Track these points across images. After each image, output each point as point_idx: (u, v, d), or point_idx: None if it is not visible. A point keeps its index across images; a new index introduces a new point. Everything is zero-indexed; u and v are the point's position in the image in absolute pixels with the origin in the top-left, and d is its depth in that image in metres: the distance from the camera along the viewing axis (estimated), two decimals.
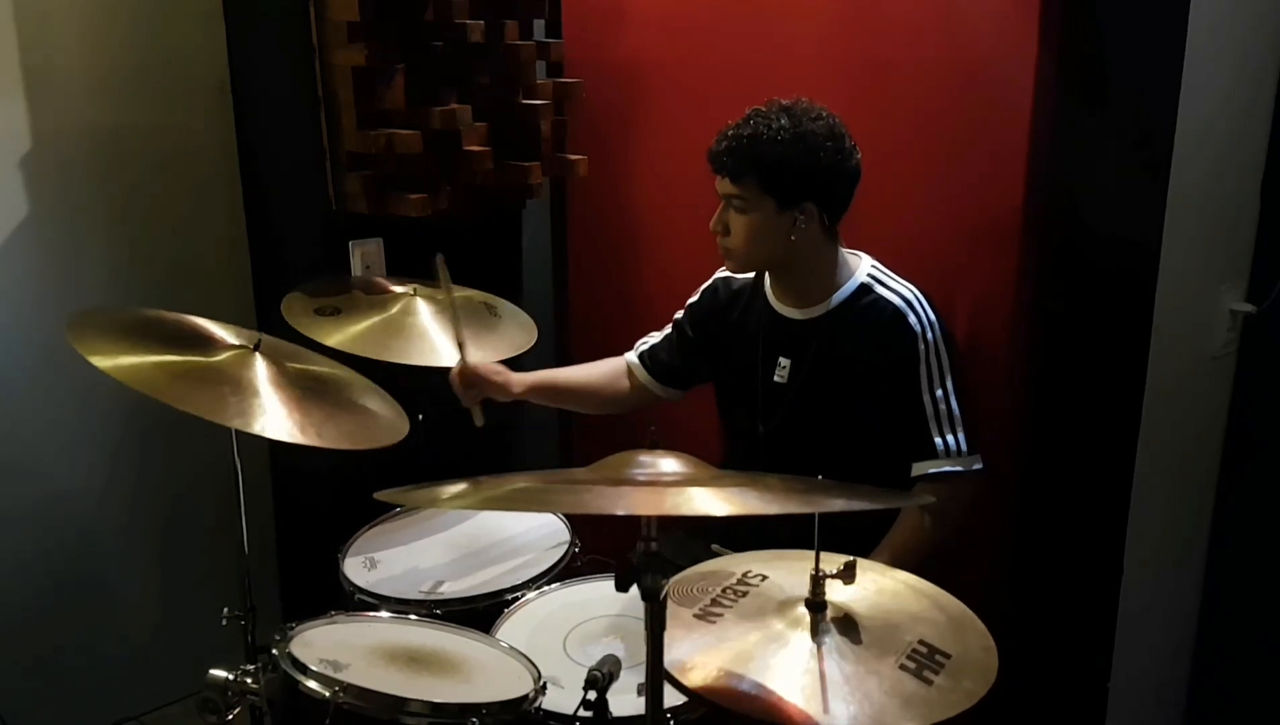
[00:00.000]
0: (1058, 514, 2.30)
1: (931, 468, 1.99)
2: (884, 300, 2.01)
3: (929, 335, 1.98)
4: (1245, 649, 2.56)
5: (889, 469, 2.01)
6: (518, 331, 2.37)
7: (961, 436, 1.99)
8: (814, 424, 2.07)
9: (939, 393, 1.97)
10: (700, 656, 1.38)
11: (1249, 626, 2.55)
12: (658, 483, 1.29)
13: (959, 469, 1.98)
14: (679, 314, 2.29)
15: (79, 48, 2.35)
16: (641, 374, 2.31)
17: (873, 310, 2.01)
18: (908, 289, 2.02)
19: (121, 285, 2.47)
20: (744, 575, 1.55)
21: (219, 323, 1.95)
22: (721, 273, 2.22)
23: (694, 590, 1.53)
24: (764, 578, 1.54)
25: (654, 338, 2.32)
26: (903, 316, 1.98)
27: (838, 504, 1.37)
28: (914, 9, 2.21)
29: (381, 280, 2.39)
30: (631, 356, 2.33)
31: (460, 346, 2.16)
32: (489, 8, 2.39)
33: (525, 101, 2.54)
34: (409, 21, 2.30)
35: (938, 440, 1.98)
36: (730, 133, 1.96)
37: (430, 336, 2.23)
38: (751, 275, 2.17)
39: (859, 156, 1.98)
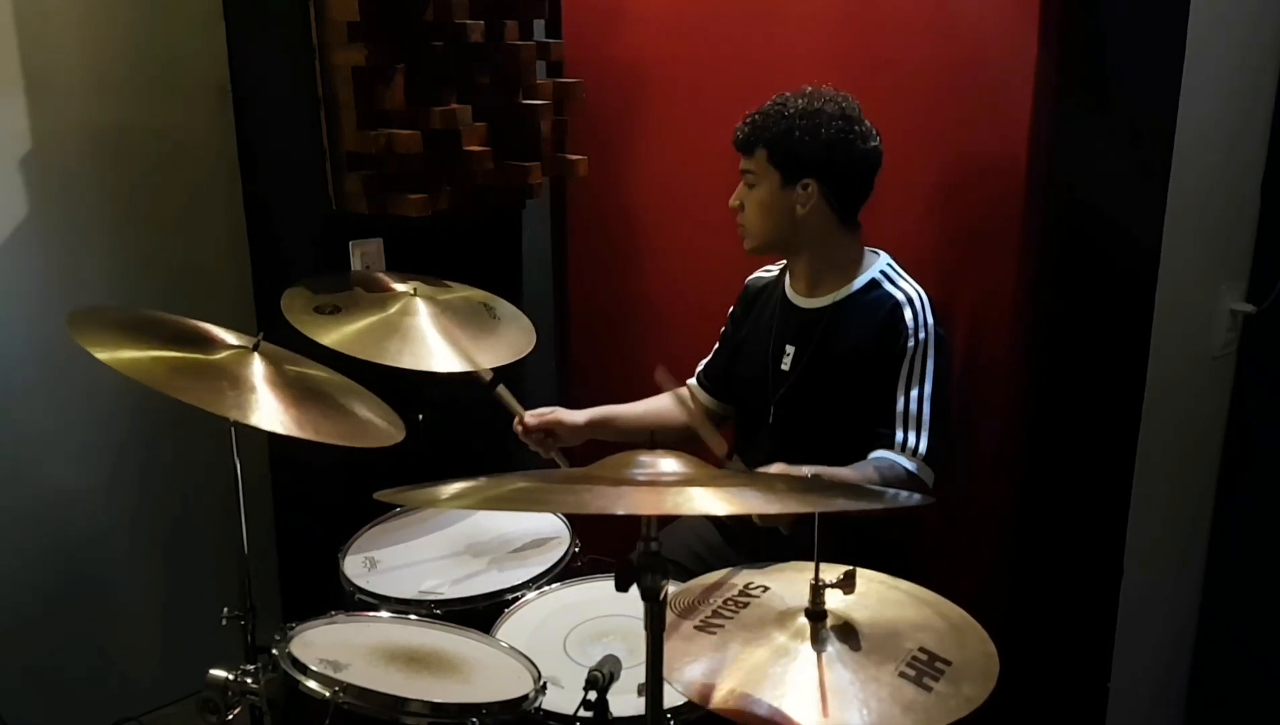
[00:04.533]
0: (1058, 514, 2.30)
1: (885, 456, 1.97)
2: (887, 295, 2.03)
3: (920, 335, 1.99)
4: (1245, 649, 2.56)
5: None
6: (517, 335, 2.35)
7: (923, 440, 1.97)
8: (813, 412, 2.09)
9: (914, 393, 1.98)
10: (703, 667, 1.39)
11: (1249, 626, 2.55)
12: (658, 482, 1.29)
13: (910, 467, 1.96)
14: (724, 328, 2.32)
15: (79, 48, 2.35)
16: (702, 395, 2.32)
17: (874, 303, 2.03)
18: (914, 289, 2.04)
19: (121, 285, 2.47)
20: (745, 587, 1.56)
21: (219, 326, 1.95)
22: (750, 276, 2.27)
23: (695, 602, 1.54)
24: (765, 589, 1.54)
25: (708, 358, 2.34)
26: (900, 311, 2.00)
27: (838, 504, 1.37)
28: (914, 9, 2.21)
29: (384, 276, 2.38)
30: (691, 380, 2.35)
31: (511, 412, 2.27)
32: (489, 8, 2.39)
33: (525, 101, 2.54)
34: (409, 21, 2.30)
35: (899, 434, 1.97)
36: (750, 113, 2.04)
37: (426, 339, 2.19)
38: (775, 272, 2.21)
39: (875, 143, 2.01)
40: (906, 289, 2.03)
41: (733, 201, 2.08)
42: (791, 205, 2.01)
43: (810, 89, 2.02)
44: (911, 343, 1.98)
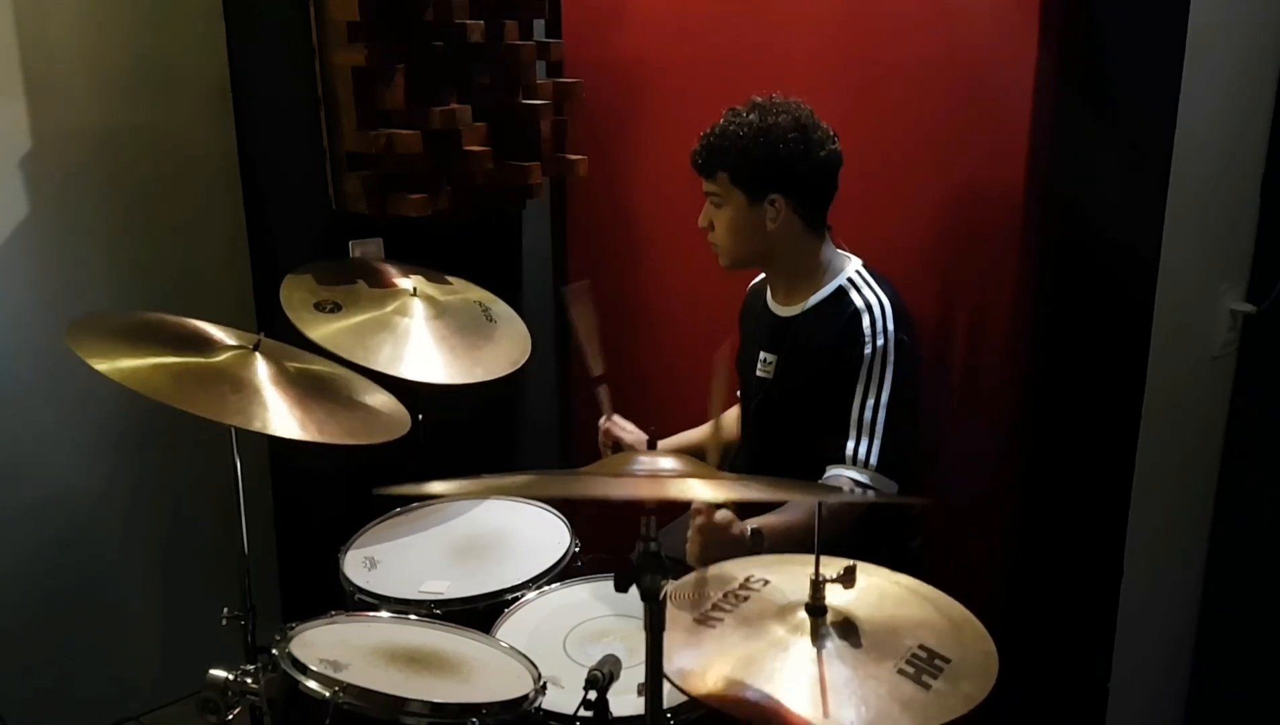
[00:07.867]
0: (1058, 514, 2.30)
1: (833, 474, 1.94)
2: (850, 303, 2.01)
3: (879, 342, 1.95)
4: (1245, 649, 2.56)
5: None
6: (511, 345, 2.32)
7: (875, 449, 1.93)
8: (785, 420, 2.09)
9: (870, 402, 1.94)
10: (701, 661, 1.38)
11: (1249, 626, 2.55)
12: (657, 477, 1.30)
13: (860, 478, 1.93)
14: None
15: (79, 49, 2.35)
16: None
17: (837, 311, 2.01)
18: (878, 296, 2.00)
19: (121, 286, 2.47)
20: (746, 580, 1.56)
21: (218, 325, 1.95)
22: (754, 280, 2.27)
23: (694, 595, 1.53)
24: (765, 582, 1.54)
25: None
26: (858, 318, 1.98)
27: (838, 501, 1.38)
28: (914, 9, 2.21)
29: (388, 266, 2.37)
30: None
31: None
32: (489, 8, 2.39)
33: (525, 101, 2.54)
34: (409, 21, 2.30)
35: (850, 444, 1.94)
36: (704, 134, 2.03)
37: (417, 343, 2.17)
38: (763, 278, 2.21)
39: (834, 146, 2.00)
40: (869, 296, 2.00)
41: (701, 222, 2.08)
42: (761, 221, 2.00)
43: (760, 101, 2.00)
44: (869, 350, 1.95)
